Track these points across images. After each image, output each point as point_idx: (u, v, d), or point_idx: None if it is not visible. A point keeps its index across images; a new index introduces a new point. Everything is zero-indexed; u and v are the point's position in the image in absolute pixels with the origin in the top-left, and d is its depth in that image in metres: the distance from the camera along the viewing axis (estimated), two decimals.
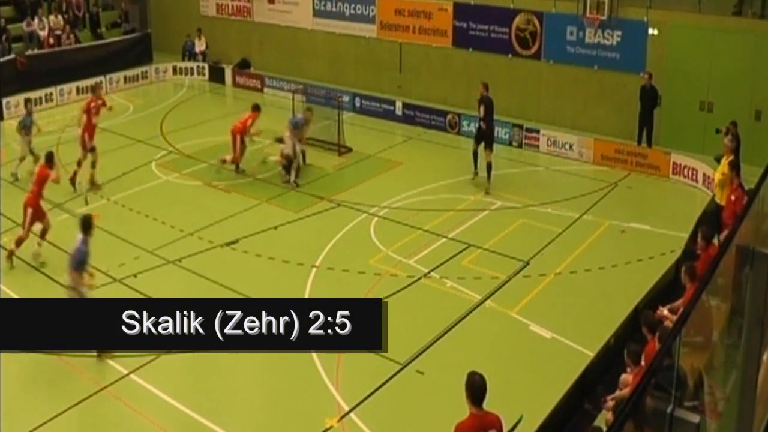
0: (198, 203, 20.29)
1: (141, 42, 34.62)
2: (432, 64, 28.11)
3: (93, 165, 21.05)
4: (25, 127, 21.54)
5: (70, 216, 18.05)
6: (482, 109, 21.07)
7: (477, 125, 21.81)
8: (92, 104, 21.28)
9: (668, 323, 10.90)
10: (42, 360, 13.45)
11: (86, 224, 13.83)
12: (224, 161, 21.82)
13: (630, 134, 23.12)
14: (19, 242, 16.98)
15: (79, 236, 13.73)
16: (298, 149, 21.35)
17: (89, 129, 21.09)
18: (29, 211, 17.05)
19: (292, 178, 21.08)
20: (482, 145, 20.92)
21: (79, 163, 20.96)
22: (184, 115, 28.30)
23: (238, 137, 21.67)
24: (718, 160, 16.33)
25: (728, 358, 6.17)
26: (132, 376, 13.09)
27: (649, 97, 22.20)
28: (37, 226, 17.13)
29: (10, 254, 16.97)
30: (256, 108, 22.11)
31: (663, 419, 4.52)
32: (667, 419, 4.55)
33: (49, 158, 17.84)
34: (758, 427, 5.86)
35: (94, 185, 21.02)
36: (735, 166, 15.26)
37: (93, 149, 21.05)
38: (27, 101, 23.12)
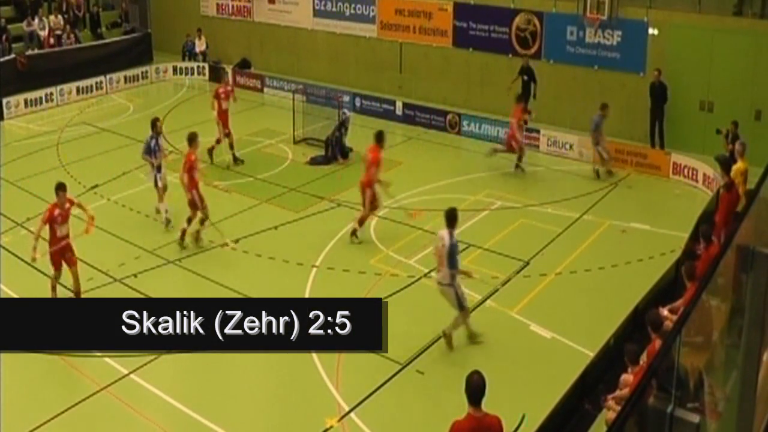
0: None
1: (141, 42, 34.65)
2: (432, 64, 28.11)
3: (231, 147, 22.73)
4: (151, 151, 18.86)
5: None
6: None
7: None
8: (220, 90, 22.72)
9: (668, 323, 10.89)
10: (42, 360, 13.43)
11: (452, 217, 13.42)
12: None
13: (630, 134, 23.13)
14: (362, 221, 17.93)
15: (445, 231, 13.21)
16: (601, 149, 21.88)
17: (221, 115, 22.40)
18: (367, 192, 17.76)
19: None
20: None
21: (217, 141, 22.78)
22: (184, 115, 28.26)
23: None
24: (720, 161, 16.26)
25: (728, 358, 6.17)
26: (132, 376, 13.10)
27: (659, 94, 22.21)
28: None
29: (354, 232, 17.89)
30: None
31: (663, 419, 4.52)
32: (667, 419, 4.56)
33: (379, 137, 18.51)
34: (758, 427, 5.86)
35: (237, 161, 22.88)
36: (726, 165, 15.27)
37: (228, 134, 22.68)
38: (155, 121, 19.18)
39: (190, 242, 17.72)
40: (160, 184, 18.65)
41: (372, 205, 17.80)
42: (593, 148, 21.99)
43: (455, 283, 13.15)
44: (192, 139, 17.93)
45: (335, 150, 22.95)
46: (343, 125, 23.27)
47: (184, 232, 17.68)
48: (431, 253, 17.01)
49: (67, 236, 14.88)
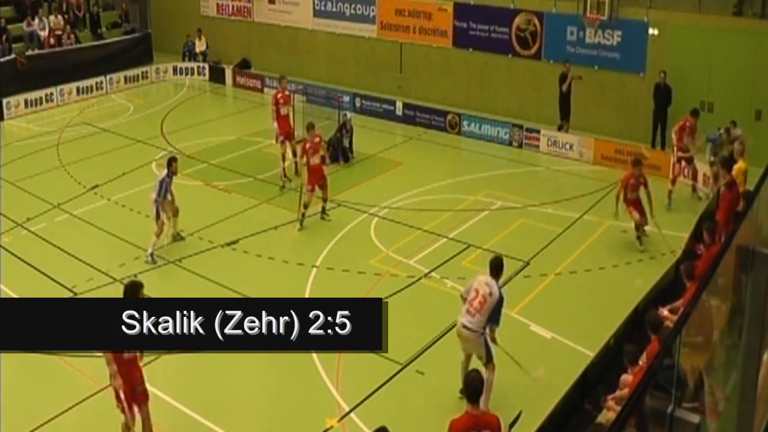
0: (198, 203, 20.28)
1: (141, 42, 34.65)
2: (432, 64, 28.12)
3: (293, 154, 21.32)
4: (163, 190, 17.15)
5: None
6: None
7: None
8: (278, 95, 21.62)
9: (668, 323, 10.89)
10: (43, 360, 13.44)
11: (499, 267, 11.98)
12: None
13: (630, 134, 23.14)
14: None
15: (491, 280, 11.85)
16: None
17: (278, 120, 21.41)
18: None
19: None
20: None
21: (283, 157, 21.43)
22: (184, 116, 28.32)
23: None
24: (720, 161, 16.26)
25: (728, 359, 6.17)
26: None
27: (663, 96, 22.20)
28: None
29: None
30: None
31: (663, 419, 4.52)
32: (667, 419, 4.55)
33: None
34: (758, 427, 5.86)
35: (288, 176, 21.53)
36: (727, 165, 15.28)
37: (284, 140, 21.48)
38: (172, 160, 17.59)
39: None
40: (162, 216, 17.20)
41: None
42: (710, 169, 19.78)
43: (486, 333, 11.87)
44: (310, 127, 18.67)
45: (336, 152, 22.88)
46: (344, 127, 23.24)
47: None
48: (431, 253, 17.17)
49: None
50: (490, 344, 11.80)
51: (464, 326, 11.67)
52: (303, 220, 18.56)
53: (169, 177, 17.22)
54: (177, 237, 17.93)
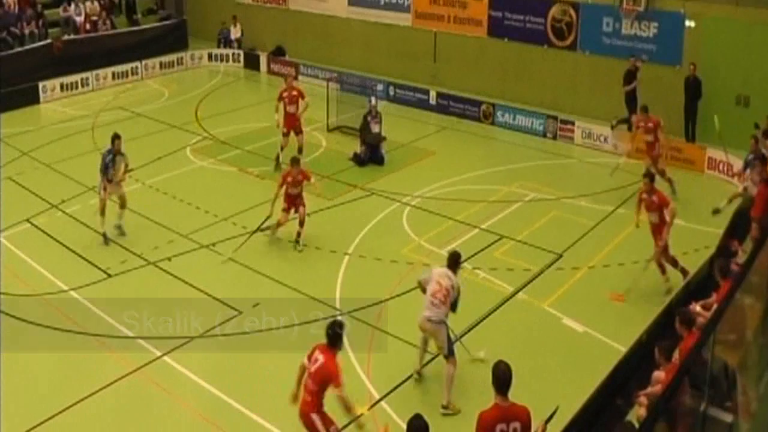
0: (232, 189, 20.45)
1: (177, 29, 34.86)
2: (467, 54, 28.04)
3: (300, 151, 21.18)
4: (103, 166, 17.59)
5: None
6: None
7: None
8: (284, 94, 21.58)
9: (701, 319, 10.84)
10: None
11: (455, 260, 12.53)
12: None
13: (666, 127, 22.81)
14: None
15: (450, 272, 12.33)
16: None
17: (285, 116, 21.53)
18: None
19: None
20: None
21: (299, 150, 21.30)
22: (218, 102, 28.48)
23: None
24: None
25: (762, 358, 6.15)
26: (165, 358, 13.26)
27: (693, 88, 22.01)
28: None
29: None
30: None
31: (696, 418, 4.53)
32: (699, 417, 4.56)
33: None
34: None
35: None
36: (763, 160, 15.12)
37: (286, 134, 21.53)
38: (115, 137, 17.76)
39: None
40: (103, 195, 17.43)
41: None
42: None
43: (447, 322, 12.28)
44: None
45: (368, 151, 22.40)
46: (370, 113, 22.88)
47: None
48: (463, 243, 17.16)
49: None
50: (451, 336, 12.30)
51: (428, 319, 12.11)
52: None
53: (110, 153, 17.44)
54: (119, 229, 17.70)
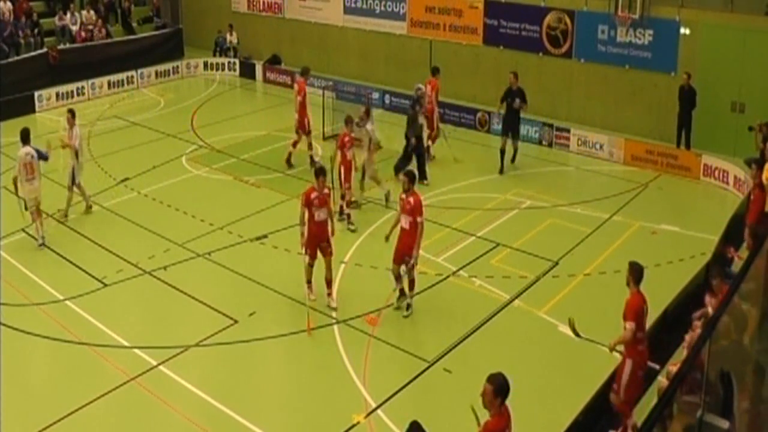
0: (228, 198, 20.43)
1: (172, 37, 34.93)
2: (462, 62, 28.07)
3: (309, 146, 22.41)
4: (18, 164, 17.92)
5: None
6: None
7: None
8: (299, 92, 21.96)
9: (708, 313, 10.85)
10: (73, 349, 13.63)
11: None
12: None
13: (660, 134, 23.02)
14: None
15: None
16: None
17: (301, 112, 22.05)
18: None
19: None
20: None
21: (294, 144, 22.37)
22: (214, 111, 28.49)
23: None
24: (748, 163, 16.07)
25: (759, 363, 6.14)
26: (161, 367, 13.21)
27: (688, 98, 22.03)
28: None
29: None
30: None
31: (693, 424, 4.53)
32: (696, 424, 4.56)
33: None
34: None
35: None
36: (759, 165, 15.11)
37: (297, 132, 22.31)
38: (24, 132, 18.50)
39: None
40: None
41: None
42: None
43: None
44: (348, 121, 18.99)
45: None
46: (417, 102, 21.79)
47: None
48: (459, 251, 17.15)
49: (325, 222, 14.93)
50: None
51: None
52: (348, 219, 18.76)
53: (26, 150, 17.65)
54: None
